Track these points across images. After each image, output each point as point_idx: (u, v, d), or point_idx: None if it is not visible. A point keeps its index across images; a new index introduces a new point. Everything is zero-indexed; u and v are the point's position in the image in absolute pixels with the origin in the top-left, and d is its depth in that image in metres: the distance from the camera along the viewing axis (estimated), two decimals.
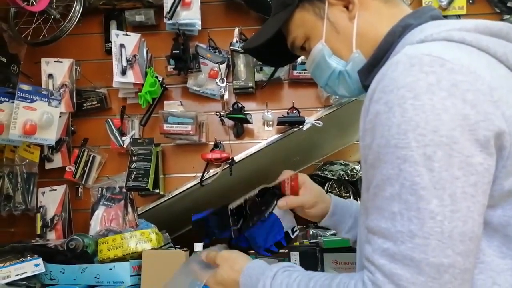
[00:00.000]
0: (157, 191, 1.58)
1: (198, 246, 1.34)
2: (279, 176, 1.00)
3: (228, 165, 1.60)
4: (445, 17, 1.65)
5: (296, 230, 0.97)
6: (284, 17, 0.77)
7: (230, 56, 1.68)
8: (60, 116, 1.53)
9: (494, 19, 1.58)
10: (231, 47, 1.63)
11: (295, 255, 1.29)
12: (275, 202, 0.93)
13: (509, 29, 0.59)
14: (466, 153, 0.49)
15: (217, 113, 1.64)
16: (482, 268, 0.54)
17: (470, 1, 1.67)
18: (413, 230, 0.50)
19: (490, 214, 0.54)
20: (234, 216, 1.00)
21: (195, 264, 0.88)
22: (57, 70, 1.66)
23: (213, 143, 1.64)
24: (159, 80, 1.63)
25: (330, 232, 1.44)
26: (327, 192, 2.32)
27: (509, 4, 1.62)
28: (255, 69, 1.64)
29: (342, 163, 2.38)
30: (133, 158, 1.57)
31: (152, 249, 1.31)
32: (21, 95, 1.39)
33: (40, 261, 1.25)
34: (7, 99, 1.40)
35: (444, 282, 0.49)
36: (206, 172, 1.62)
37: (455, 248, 0.49)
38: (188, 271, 0.88)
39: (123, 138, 1.62)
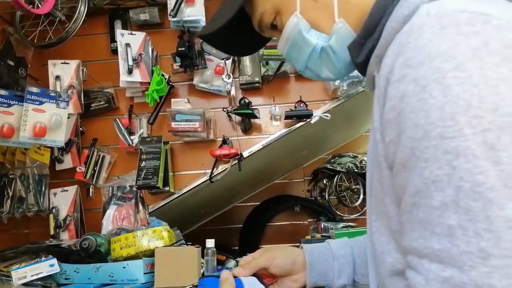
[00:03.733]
0: (167, 188, 1.59)
1: (209, 242, 1.35)
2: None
3: (237, 161, 1.60)
4: None
5: None
6: None
7: None
8: (68, 117, 1.54)
9: None
10: None
11: None
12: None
13: None
14: None
15: (224, 109, 1.64)
16: None
17: None
18: (486, 248, 0.37)
19: None
20: None
21: None
22: (64, 71, 1.67)
23: (221, 139, 1.65)
24: (165, 78, 1.63)
25: (341, 225, 1.44)
26: (336, 185, 2.32)
27: None
28: (261, 64, 1.64)
29: (351, 155, 2.38)
30: (143, 156, 1.57)
31: (164, 246, 1.32)
32: (30, 97, 1.40)
33: (54, 261, 1.26)
34: (16, 102, 1.40)
35: None
36: (215, 169, 1.62)
37: None
38: None
39: (132, 137, 1.63)
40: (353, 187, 2.36)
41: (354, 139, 2.47)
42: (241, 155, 1.60)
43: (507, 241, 0.36)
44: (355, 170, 2.30)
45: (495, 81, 0.38)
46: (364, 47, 0.56)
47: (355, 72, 0.82)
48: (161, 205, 1.63)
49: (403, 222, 0.45)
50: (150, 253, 1.32)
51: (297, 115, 1.59)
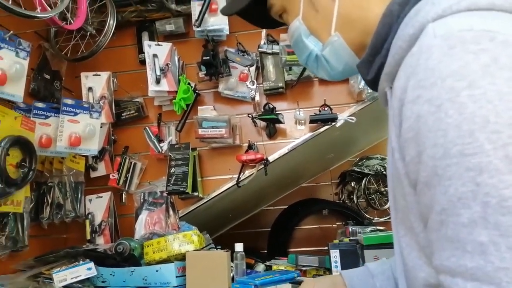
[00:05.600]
0: (196, 194, 1.63)
1: (238, 246, 1.38)
2: None
3: (263, 166, 1.62)
4: None
5: None
6: None
7: (258, 58, 1.70)
8: (101, 127, 1.61)
9: None
10: (259, 49, 1.65)
11: (335, 253, 1.29)
12: None
13: None
14: None
15: (249, 115, 1.67)
16: None
17: None
18: None
19: None
20: None
21: None
22: (96, 83, 1.75)
23: (247, 144, 1.67)
24: (191, 87, 1.68)
25: (370, 229, 1.43)
26: (365, 188, 2.30)
27: None
28: (284, 69, 1.66)
29: (379, 157, 2.35)
30: (172, 163, 1.62)
31: (195, 250, 1.36)
32: (65, 109, 1.47)
33: (92, 265, 1.32)
34: (53, 114, 1.49)
35: None
36: (242, 173, 1.65)
37: None
38: None
39: (161, 144, 1.68)
40: (382, 189, 2.33)
41: (381, 141, 2.44)
42: (267, 159, 1.62)
43: None
44: (384, 172, 2.27)
45: (510, 96, 0.38)
46: (373, 65, 0.58)
47: None
48: (190, 209, 1.67)
49: (432, 241, 0.45)
50: (181, 257, 1.36)
51: (322, 119, 1.60)
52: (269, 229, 2.53)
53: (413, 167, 0.45)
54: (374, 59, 0.57)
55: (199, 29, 1.64)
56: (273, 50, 1.62)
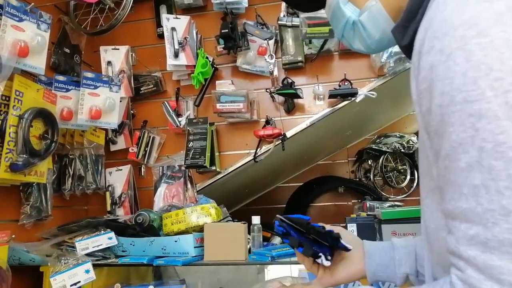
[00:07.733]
0: (213, 168, 1.64)
1: (255, 219, 1.39)
2: None
3: (280, 141, 1.61)
4: None
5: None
6: None
7: (278, 31, 1.67)
8: (120, 101, 1.62)
9: None
10: (278, 22, 1.62)
11: (352, 227, 1.29)
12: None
13: None
14: None
15: (267, 90, 1.65)
16: None
17: None
18: (507, 205, 0.38)
19: None
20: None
21: None
22: (115, 57, 1.75)
23: (264, 119, 1.66)
24: (209, 61, 1.67)
25: (387, 204, 1.42)
26: (382, 166, 2.28)
27: None
28: (304, 42, 1.62)
29: (398, 135, 2.32)
30: (190, 137, 1.63)
31: (212, 222, 1.38)
32: (86, 82, 1.49)
33: (112, 234, 1.36)
34: (73, 87, 1.50)
35: None
36: (259, 149, 1.65)
37: None
38: None
39: (179, 118, 1.69)
40: (400, 167, 2.31)
41: (400, 118, 2.40)
42: (284, 135, 1.62)
43: None
44: (402, 150, 2.24)
45: None
46: (408, 30, 0.56)
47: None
48: (208, 183, 1.69)
49: (441, 187, 0.46)
50: (199, 229, 1.38)
51: (342, 94, 1.57)
52: (285, 205, 2.54)
53: (427, 117, 0.46)
54: (410, 24, 0.56)
55: (217, 1, 1.62)
56: (292, 23, 1.58)
